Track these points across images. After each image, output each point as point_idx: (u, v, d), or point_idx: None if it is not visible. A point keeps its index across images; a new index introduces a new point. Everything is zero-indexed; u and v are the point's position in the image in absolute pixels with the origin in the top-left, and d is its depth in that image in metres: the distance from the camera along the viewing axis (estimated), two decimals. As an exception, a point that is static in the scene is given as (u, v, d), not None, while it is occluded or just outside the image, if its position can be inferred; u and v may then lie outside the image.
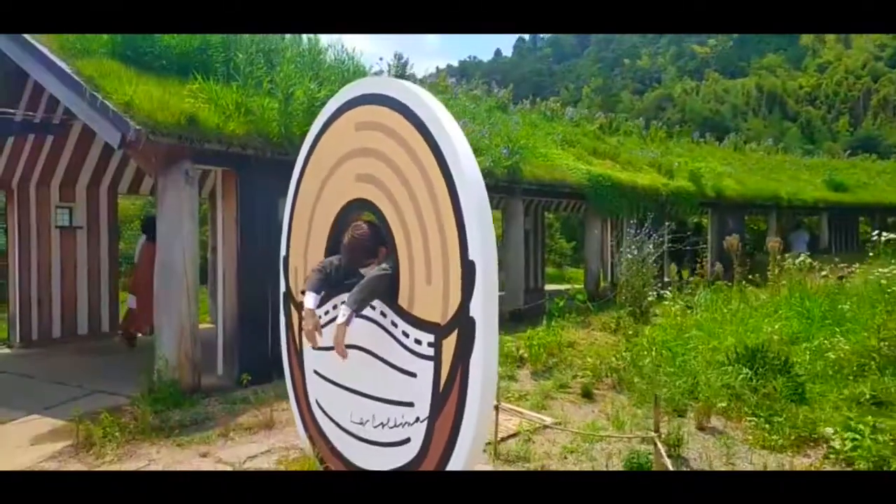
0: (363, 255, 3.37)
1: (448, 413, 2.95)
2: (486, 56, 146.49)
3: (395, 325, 3.25)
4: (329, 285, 3.54)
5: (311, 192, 3.96)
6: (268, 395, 5.49)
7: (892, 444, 3.79)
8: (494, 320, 2.90)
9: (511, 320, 10.46)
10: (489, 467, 4.31)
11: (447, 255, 2.98)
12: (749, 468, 4.10)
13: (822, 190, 18.26)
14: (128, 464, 4.35)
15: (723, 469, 4.11)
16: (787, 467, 4.12)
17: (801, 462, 4.19)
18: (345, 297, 3.52)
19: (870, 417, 4.06)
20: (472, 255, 2.87)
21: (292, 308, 4.11)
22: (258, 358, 6.19)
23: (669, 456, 4.11)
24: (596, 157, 14.19)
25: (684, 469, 4.10)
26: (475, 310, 2.85)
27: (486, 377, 2.85)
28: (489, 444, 4.63)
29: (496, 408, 4.65)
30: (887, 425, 3.98)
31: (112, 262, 9.61)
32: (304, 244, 4.01)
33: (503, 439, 4.75)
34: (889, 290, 6.96)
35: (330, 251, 3.80)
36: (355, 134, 3.60)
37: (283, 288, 4.23)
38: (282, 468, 3.91)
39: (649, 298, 8.53)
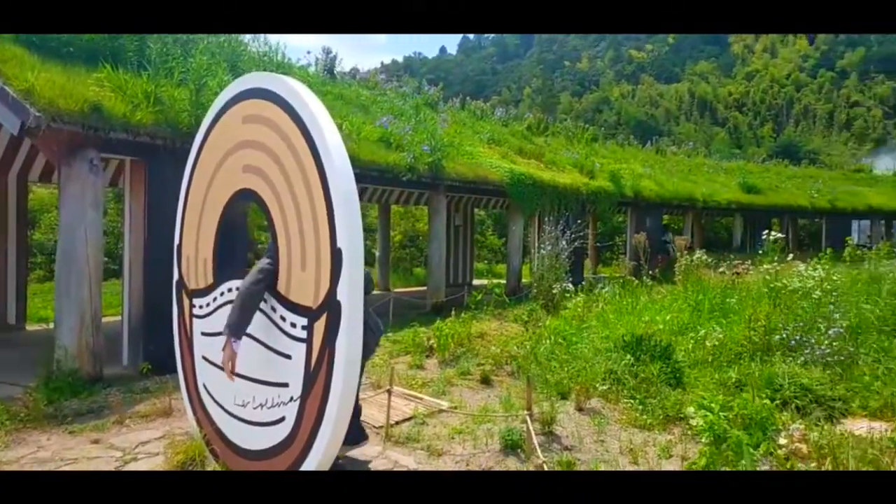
0: None
1: (317, 391, 3.14)
2: (431, 53, 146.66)
3: (274, 309, 3.42)
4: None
5: (203, 181, 4.07)
6: (169, 384, 5.53)
7: (734, 418, 4.21)
8: (359, 304, 3.11)
9: (432, 312, 10.74)
10: (379, 448, 4.52)
11: (319, 243, 3.17)
12: (615, 445, 4.46)
13: (735, 192, 19.30)
14: (16, 450, 4.35)
15: (593, 446, 4.46)
16: (650, 444, 4.50)
17: (664, 439, 4.59)
18: (234, 283, 3.68)
19: (720, 397, 4.48)
20: (339, 244, 3.07)
21: (184, 296, 4.21)
22: (163, 348, 6.19)
23: (541, 433, 4.44)
24: (521, 157, 14.63)
25: (554, 449, 4.42)
26: (342, 294, 3.05)
27: (350, 356, 3.06)
28: (381, 427, 4.86)
29: (388, 392, 4.89)
30: (735, 403, 4.40)
31: (20, 252, 9.34)
32: (195, 233, 4.12)
33: (397, 423, 4.98)
34: (771, 285, 7.56)
35: (219, 240, 3.93)
36: (243, 126, 3.74)
37: (175, 276, 4.32)
38: (169, 452, 4.01)
39: (554, 292, 8.93)
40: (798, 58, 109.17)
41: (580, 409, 5.11)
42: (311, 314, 3.20)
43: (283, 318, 3.36)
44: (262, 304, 3.47)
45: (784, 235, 9.97)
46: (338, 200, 3.09)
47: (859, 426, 4.76)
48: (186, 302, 4.17)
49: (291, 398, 3.29)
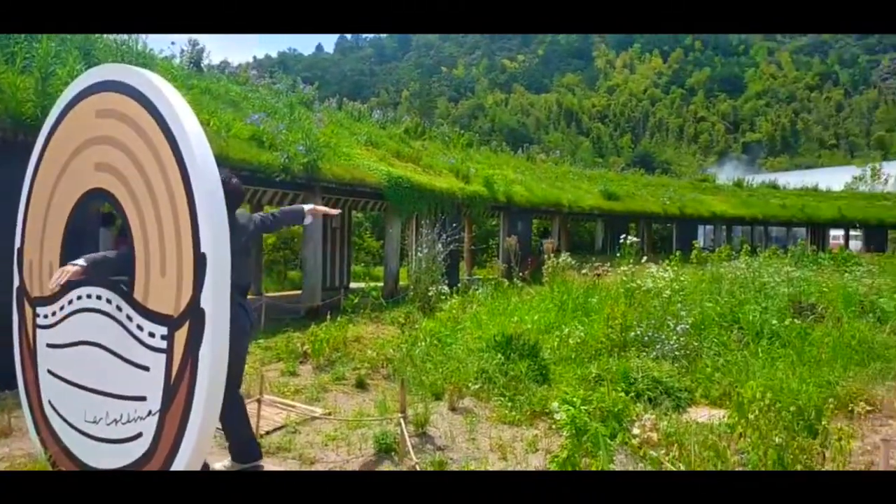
0: None
1: (178, 404, 2.98)
2: (307, 50, 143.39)
3: (130, 318, 3.20)
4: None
5: (49, 179, 3.73)
6: (8, 401, 5.00)
7: (594, 411, 4.51)
8: (225, 311, 2.99)
9: (307, 317, 10.51)
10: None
11: (181, 247, 3.01)
12: (486, 442, 4.62)
13: (597, 199, 20.62)
14: None
15: (465, 444, 4.58)
16: (518, 439, 4.70)
17: (531, 433, 4.81)
18: (84, 290, 3.40)
19: (582, 391, 4.77)
20: (203, 248, 2.93)
21: (26, 304, 3.83)
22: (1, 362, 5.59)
23: (415, 435, 4.50)
24: (399, 160, 14.69)
25: (430, 446, 4.50)
26: (206, 301, 2.92)
27: (215, 367, 2.93)
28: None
29: (258, 401, 4.74)
30: (594, 397, 4.72)
31: None
32: (39, 235, 3.76)
33: (267, 433, 4.83)
34: (628, 286, 8.15)
35: (67, 243, 3.62)
36: (95, 121, 3.47)
37: (15, 282, 3.91)
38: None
39: (430, 294, 9.08)
40: (653, 74, 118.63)
41: (453, 409, 5.23)
42: (171, 323, 3.03)
43: (139, 328, 3.15)
44: (116, 313, 3.24)
45: (639, 239, 10.80)
46: (201, 201, 2.96)
47: (702, 414, 5.26)
48: (29, 311, 3.79)
49: (149, 412, 3.09)
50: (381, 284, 13.61)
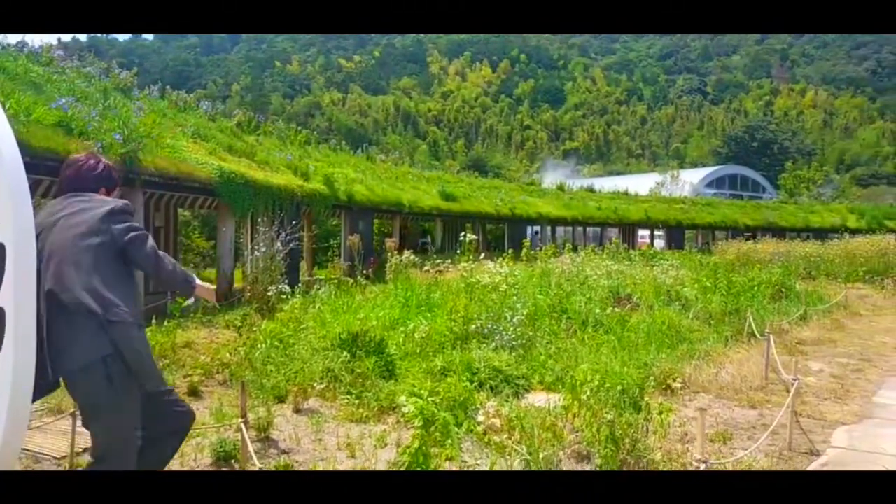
0: None
1: (-29, 421, 2.52)
2: (122, 34, 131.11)
3: None
4: None
5: None
6: None
7: (441, 402, 4.58)
8: (31, 310, 2.58)
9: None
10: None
11: (-29, 237, 2.55)
12: (333, 441, 4.49)
13: (436, 199, 21.13)
14: None
15: (311, 445, 4.42)
16: (367, 436, 4.63)
17: (379, 429, 4.76)
18: None
19: (428, 384, 4.84)
20: (2, 238, 2.51)
21: None
22: None
23: (258, 440, 4.26)
24: (232, 155, 13.91)
25: (274, 451, 4.28)
26: (5, 299, 2.50)
27: (20, 374, 2.51)
28: (65, 457, 4.18)
29: (73, 416, 4.21)
30: (441, 388, 4.79)
31: None
32: None
33: (84, 450, 4.30)
34: (467, 282, 8.41)
35: None
36: None
37: None
38: None
39: (270, 294, 8.70)
40: (484, 83, 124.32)
41: (298, 411, 5.04)
42: (-40, 326, 2.55)
43: (-83, 335, 2.62)
44: None
45: (477, 238, 11.21)
46: (1, 187, 2.53)
47: (539, 398, 5.56)
48: None
49: (-68, 435, 2.58)
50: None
